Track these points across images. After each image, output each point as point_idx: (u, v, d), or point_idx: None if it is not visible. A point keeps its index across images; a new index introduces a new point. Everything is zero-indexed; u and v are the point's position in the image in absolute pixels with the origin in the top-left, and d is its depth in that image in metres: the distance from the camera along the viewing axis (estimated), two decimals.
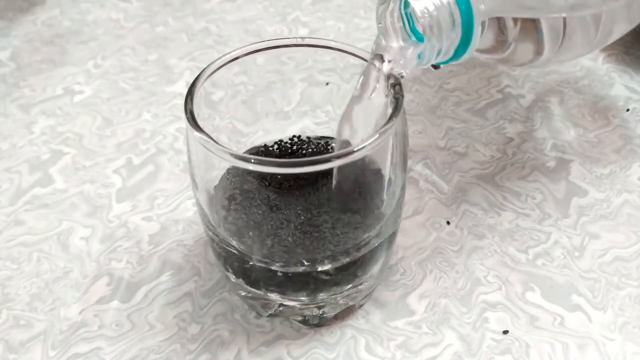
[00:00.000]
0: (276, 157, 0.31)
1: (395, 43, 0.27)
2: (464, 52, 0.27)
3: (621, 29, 0.31)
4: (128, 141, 0.41)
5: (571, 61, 0.33)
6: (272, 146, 0.32)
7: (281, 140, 0.32)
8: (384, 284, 0.32)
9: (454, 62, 0.27)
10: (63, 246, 0.34)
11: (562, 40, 0.29)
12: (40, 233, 0.35)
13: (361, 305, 0.31)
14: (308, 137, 0.32)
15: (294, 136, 0.32)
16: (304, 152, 0.31)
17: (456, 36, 0.26)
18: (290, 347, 0.30)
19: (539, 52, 0.30)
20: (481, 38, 0.27)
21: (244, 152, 0.31)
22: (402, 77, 0.27)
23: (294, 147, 0.31)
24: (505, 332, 0.30)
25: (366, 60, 0.29)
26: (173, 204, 0.37)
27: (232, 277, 0.30)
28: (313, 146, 0.31)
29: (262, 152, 0.31)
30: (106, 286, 0.33)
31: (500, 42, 0.30)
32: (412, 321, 0.31)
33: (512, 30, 0.29)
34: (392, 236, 0.30)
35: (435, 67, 0.28)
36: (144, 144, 0.40)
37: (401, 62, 0.27)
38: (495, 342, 0.30)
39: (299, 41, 0.30)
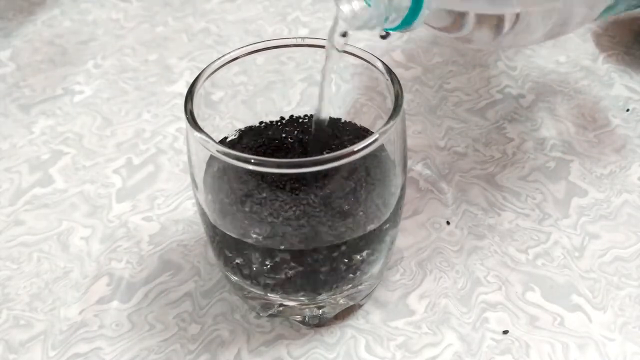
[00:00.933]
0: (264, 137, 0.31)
1: (350, 7, 0.26)
2: (413, 20, 0.26)
3: (581, 14, 0.31)
4: (128, 141, 0.41)
5: (534, 44, 0.32)
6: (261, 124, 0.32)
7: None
8: (384, 284, 0.32)
9: (405, 31, 0.27)
10: (63, 246, 0.34)
11: (516, 22, 0.28)
12: (40, 233, 0.35)
13: (361, 306, 0.31)
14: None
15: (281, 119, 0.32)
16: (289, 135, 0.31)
17: (406, 2, 0.26)
18: (290, 347, 0.30)
19: (497, 32, 0.29)
20: (437, 16, 0.27)
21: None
22: (344, 35, 0.27)
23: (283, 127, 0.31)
24: (505, 332, 0.30)
25: (366, 61, 0.29)
26: (173, 204, 0.37)
27: (232, 277, 0.30)
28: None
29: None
30: (106, 286, 0.33)
31: (458, 21, 0.30)
32: (412, 321, 0.31)
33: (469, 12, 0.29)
34: (392, 236, 0.30)
35: (384, 36, 0.28)
36: (144, 144, 0.40)
37: (353, 23, 0.27)
38: (495, 342, 0.30)
39: (299, 41, 0.30)
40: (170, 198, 0.37)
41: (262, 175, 0.27)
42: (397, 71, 0.44)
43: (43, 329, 0.31)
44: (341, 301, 0.30)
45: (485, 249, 0.34)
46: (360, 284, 0.30)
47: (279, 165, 0.25)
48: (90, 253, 0.34)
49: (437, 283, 0.32)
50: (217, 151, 0.25)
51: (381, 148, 0.26)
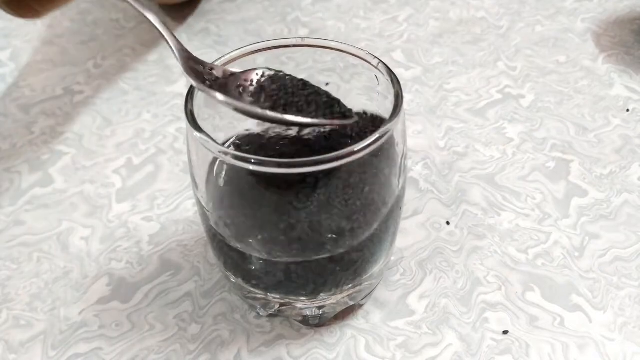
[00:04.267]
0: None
1: None
2: None
3: None
4: (128, 141, 0.41)
5: None
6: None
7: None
8: (384, 284, 0.32)
9: None
10: (63, 246, 0.34)
11: None
12: (40, 233, 0.35)
13: (361, 305, 0.31)
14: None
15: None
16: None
17: None
18: (290, 347, 0.30)
19: None
20: None
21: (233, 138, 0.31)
22: None
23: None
24: (505, 332, 0.30)
25: (366, 61, 0.29)
26: (173, 204, 0.37)
27: (232, 277, 0.30)
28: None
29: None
30: (106, 286, 0.33)
31: None
32: (412, 321, 0.31)
33: None
34: (392, 236, 0.30)
35: None
36: (144, 144, 0.40)
37: None
38: (495, 342, 0.30)
39: (299, 41, 0.30)
40: (170, 198, 0.37)
41: (263, 175, 0.27)
42: (397, 71, 0.45)
43: (43, 329, 0.31)
44: (341, 301, 0.30)
45: (485, 249, 0.34)
46: (360, 284, 0.30)
47: (280, 165, 0.25)
48: (90, 253, 0.34)
49: (437, 283, 0.32)
50: (217, 151, 0.25)
51: (381, 147, 0.26)
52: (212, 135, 0.26)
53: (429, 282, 0.32)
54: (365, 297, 0.31)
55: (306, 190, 0.27)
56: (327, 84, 0.32)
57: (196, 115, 0.26)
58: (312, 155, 0.24)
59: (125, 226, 0.35)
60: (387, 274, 0.33)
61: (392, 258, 0.33)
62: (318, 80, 0.31)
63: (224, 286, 0.32)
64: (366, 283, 0.30)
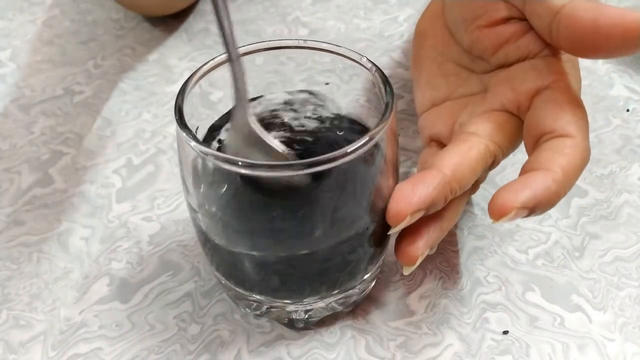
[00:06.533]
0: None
1: None
2: None
3: None
4: (128, 141, 0.41)
5: None
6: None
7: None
8: (384, 284, 0.32)
9: None
10: (63, 246, 0.34)
11: None
12: (40, 233, 0.35)
13: (351, 311, 0.31)
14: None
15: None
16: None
17: None
18: (290, 347, 0.30)
19: None
20: None
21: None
22: None
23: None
24: (505, 332, 0.30)
25: (362, 65, 0.29)
26: (173, 204, 0.37)
27: (222, 279, 0.30)
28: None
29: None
30: (106, 286, 0.33)
31: None
32: (412, 321, 0.31)
33: None
34: (384, 239, 0.29)
35: None
36: (143, 144, 0.40)
37: None
38: (495, 342, 0.30)
39: (300, 43, 0.30)
40: (170, 198, 0.37)
41: (251, 177, 0.26)
42: (397, 71, 0.44)
43: (43, 329, 0.31)
44: (329, 306, 0.30)
45: (485, 249, 0.34)
46: (351, 288, 0.29)
47: (270, 168, 0.25)
48: (90, 253, 0.34)
49: (437, 283, 0.32)
50: (204, 153, 0.25)
51: (372, 151, 0.26)
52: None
53: (429, 282, 0.32)
54: (351, 304, 0.31)
55: (296, 193, 0.26)
56: (326, 84, 0.32)
57: (192, 116, 0.26)
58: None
59: (125, 226, 0.35)
60: (387, 274, 0.33)
61: (392, 258, 0.33)
62: (318, 80, 0.31)
63: None
64: (358, 287, 0.30)
